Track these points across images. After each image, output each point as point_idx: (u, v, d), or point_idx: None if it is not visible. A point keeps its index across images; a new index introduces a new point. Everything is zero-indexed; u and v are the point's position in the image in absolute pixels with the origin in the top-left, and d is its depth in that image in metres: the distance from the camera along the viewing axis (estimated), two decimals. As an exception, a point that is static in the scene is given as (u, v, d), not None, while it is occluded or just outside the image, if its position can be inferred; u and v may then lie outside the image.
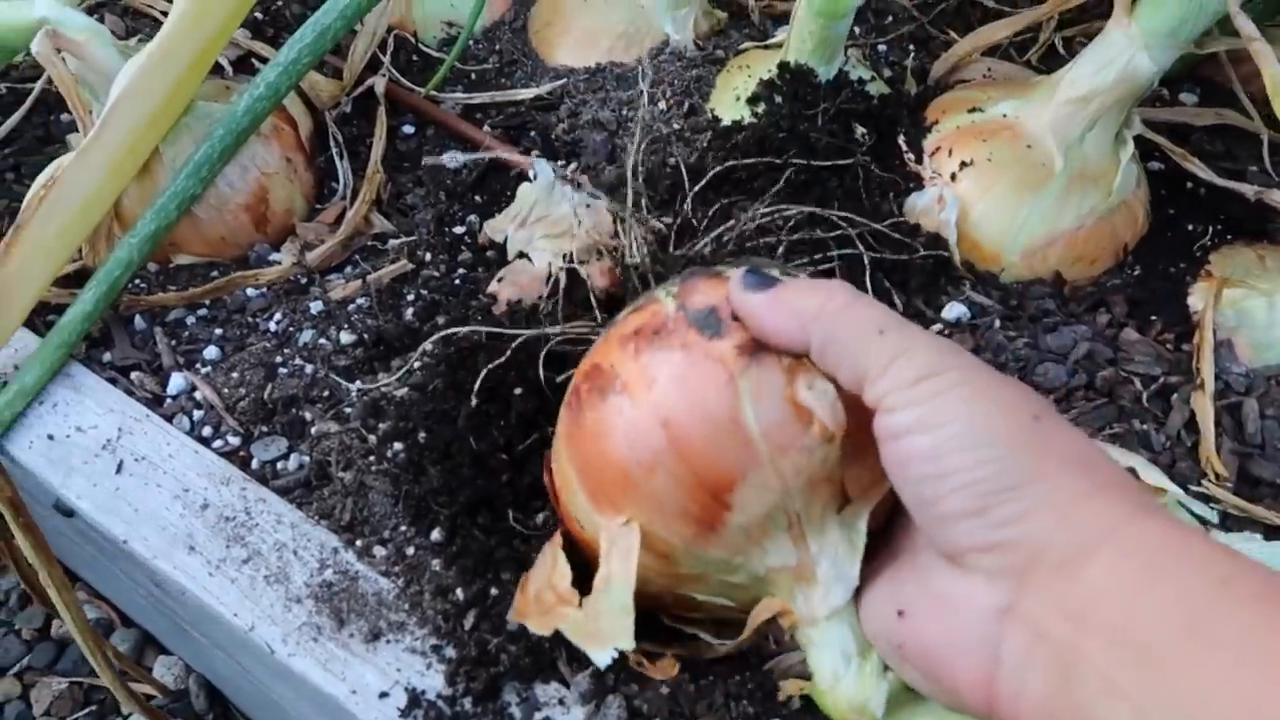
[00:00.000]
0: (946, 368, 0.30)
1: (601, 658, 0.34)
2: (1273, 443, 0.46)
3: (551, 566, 0.37)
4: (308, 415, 0.48)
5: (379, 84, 0.62)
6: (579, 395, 0.36)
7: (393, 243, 0.58)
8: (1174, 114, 0.60)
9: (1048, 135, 0.52)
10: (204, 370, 0.50)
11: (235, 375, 0.49)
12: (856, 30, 0.67)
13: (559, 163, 0.59)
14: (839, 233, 0.52)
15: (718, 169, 0.53)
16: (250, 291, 0.54)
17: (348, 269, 0.57)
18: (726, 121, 0.57)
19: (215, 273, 0.55)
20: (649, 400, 0.33)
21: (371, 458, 0.45)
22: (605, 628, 0.34)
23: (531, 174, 0.53)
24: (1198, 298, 0.52)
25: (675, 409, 0.33)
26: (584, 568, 0.36)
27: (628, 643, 0.33)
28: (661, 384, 0.33)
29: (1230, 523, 0.43)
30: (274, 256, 0.56)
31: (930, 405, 0.29)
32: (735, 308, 0.34)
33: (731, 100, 0.58)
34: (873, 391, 0.31)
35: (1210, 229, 0.55)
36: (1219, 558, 0.26)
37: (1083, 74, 0.51)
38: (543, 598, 0.36)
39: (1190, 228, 0.56)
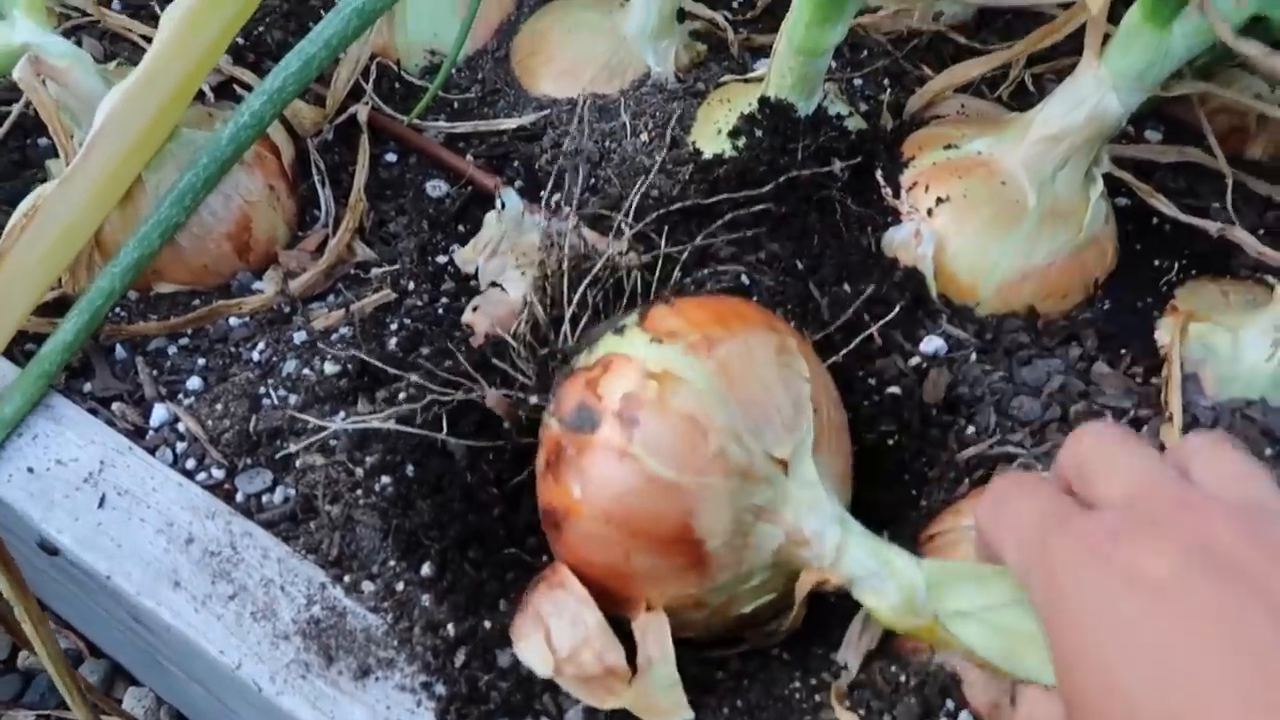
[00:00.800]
0: None
1: None
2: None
3: (589, 629, 0.39)
4: (293, 447, 0.47)
5: (361, 112, 0.62)
6: (548, 534, 0.41)
7: (375, 271, 0.58)
8: (1140, 151, 0.62)
9: (1021, 173, 0.54)
10: (187, 401, 0.50)
11: (219, 406, 0.49)
12: (833, 64, 0.68)
13: (543, 192, 0.60)
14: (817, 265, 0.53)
15: (699, 202, 0.54)
16: (233, 321, 0.54)
17: (331, 297, 0.57)
18: (708, 155, 0.58)
19: (197, 301, 0.55)
20: (586, 513, 0.38)
21: (359, 491, 0.45)
22: (662, 703, 0.38)
23: (499, 204, 0.54)
24: (1165, 332, 0.53)
25: (606, 504, 0.38)
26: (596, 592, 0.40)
27: (685, 713, 0.38)
28: (585, 494, 0.39)
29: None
30: (257, 285, 0.56)
31: None
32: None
33: (713, 133, 0.59)
34: None
35: (1176, 264, 0.57)
36: None
37: (1054, 114, 0.53)
38: (582, 661, 0.38)
39: (1157, 263, 0.58)
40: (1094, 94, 0.51)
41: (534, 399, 0.45)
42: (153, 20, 0.66)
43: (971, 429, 0.49)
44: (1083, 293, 0.55)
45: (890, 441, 0.48)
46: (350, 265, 0.58)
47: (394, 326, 0.55)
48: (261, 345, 0.53)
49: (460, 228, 0.59)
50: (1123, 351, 0.53)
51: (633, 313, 0.44)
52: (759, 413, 0.39)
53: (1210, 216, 0.59)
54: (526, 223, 0.55)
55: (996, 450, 0.47)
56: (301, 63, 0.56)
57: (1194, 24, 0.48)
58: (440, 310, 0.56)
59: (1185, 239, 0.58)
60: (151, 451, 0.47)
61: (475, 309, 0.53)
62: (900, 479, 0.48)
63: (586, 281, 0.51)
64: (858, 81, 0.67)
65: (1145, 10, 0.49)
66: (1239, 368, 0.51)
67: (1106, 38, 0.52)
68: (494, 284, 0.54)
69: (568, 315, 0.49)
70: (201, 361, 0.52)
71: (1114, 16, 0.51)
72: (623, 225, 0.54)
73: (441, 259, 0.58)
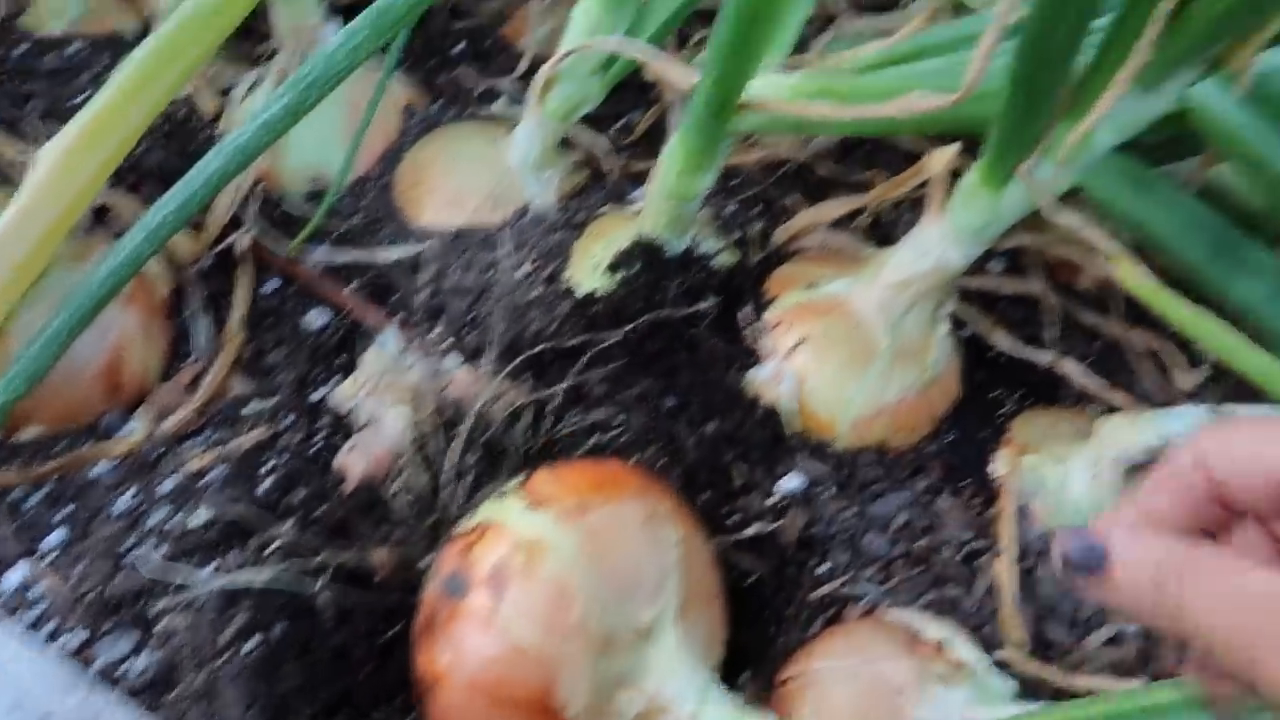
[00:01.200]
0: None
1: None
2: (1063, 606, 0.51)
3: None
4: (158, 607, 0.47)
5: (241, 241, 0.63)
6: (419, 699, 0.43)
7: (251, 407, 0.58)
8: (983, 282, 0.67)
9: (874, 314, 0.58)
10: (46, 559, 0.49)
11: (81, 565, 0.48)
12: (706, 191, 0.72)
13: (421, 327, 0.61)
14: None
15: (573, 342, 0.57)
16: (100, 467, 0.53)
17: (205, 433, 0.57)
18: (584, 290, 0.60)
19: (62, 446, 0.54)
20: (452, 681, 0.40)
21: (225, 655, 0.45)
22: None
23: (379, 342, 0.55)
24: (1000, 464, 0.58)
25: (471, 673, 0.40)
26: None
27: None
28: (452, 662, 0.40)
29: (1027, 688, 0.48)
30: (125, 428, 0.56)
31: None
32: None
33: (589, 269, 0.61)
34: None
35: (1013, 395, 0.62)
36: None
37: (903, 261, 0.57)
38: None
39: (996, 393, 0.62)
40: (937, 246, 0.56)
41: (412, 554, 0.46)
42: (22, 138, 0.65)
43: (826, 566, 0.52)
44: (930, 426, 0.59)
45: (751, 580, 0.51)
46: (225, 401, 0.58)
47: (268, 467, 0.55)
48: (129, 494, 0.52)
49: (340, 360, 0.60)
50: (965, 483, 0.57)
51: (516, 477, 0.46)
52: (624, 581, 0.41)
53: (1045, 345, 0.64)
54: (405, 361, 0.56)
55: (847, 590, 0.50)
56: (181, 201, 0.56)
57: (1024, 190, 0.53)
58: (317, 448, 0.56)
59: (1021, 369, 0.63)
60: (6, 615, 0.46)
61: (351, 449, 0.54)
62: (761, 618, 0.51)
63: (466, 426, 0.52)
64: (730, 208, 0.70)
65: (982, 175, 0.53)
66: (1066, 497, 0.56)
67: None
68: (371, 423, 0.55)
69: (446, 468, 0.50)
70: (64, 512, 0.51)
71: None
72: (499, 364, 0.56)
73: (320, 393, 0.59)
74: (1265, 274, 0.55)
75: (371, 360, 0.56)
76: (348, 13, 0.72)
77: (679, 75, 0.56)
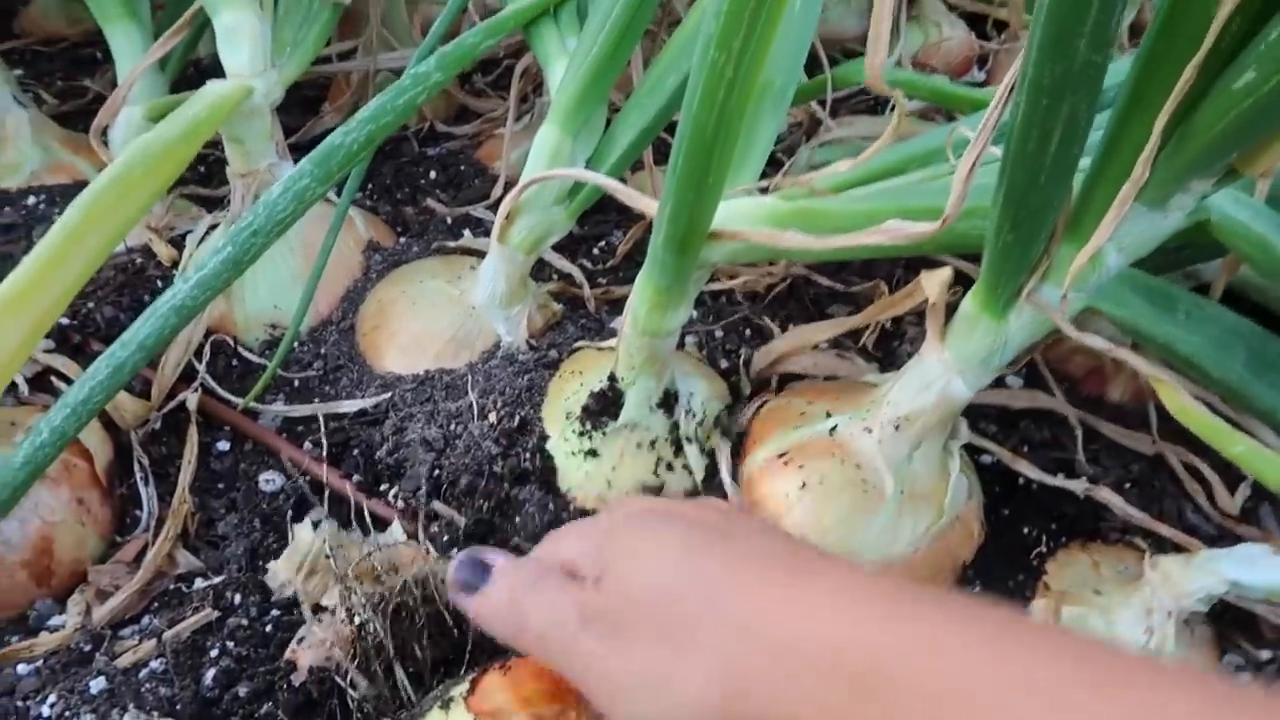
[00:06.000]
0: None
1: None
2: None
3: None
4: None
5: (191, 399, 0.59)
6: None
7: (199, 584, 0.53)
8: (996, 397, 0.61)
9: (876, 455, 0.52)
10: (-51, 792, 0.43)
11: (-14, 798, 0.43)
12: (695, 314, 0.67)
13: (383, 487, 0.56)
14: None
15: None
16: (21, 669, 0.48)
17: (146, 618, 0.52)
18: (553, 438, 0.55)
19: (-18, 645, 0.49)
20: None
21: None
22: None
23: (312, 519, 0.50)
24: (1038, 616, 0.51)
25: None
26: None
27: None
28: None
29: None
30: (56, 619, 0.51)
31: None
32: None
33: (561, 415, 0.56)
34: None
35: (1045, 530, 0.55)
36: None
37: (904, 396, 0.51)
38: None
39: (1026, 531, 0.56)
40: (940, 378, 0.50)
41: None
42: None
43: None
44: (952, 576, 0.53)
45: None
46: (170, 579, 0.53)
47: (214, 654, 0.49)
48: (52, 699, 0.47)
49: (296, 525, 0.55)
50: (996, 643, 0.50)
51: (463, 682, 0.40)
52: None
53: (1075, 469, 0.58)
54: (349, 536, 0.51)
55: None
56: (111, 369, 0.52)
57: (1030, 314, 0.48)
58: (269, 628, 0.50)
59: (1053, 499, 0.56)
60: None
61: (300, 641, 0.49)
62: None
63: (415, 609, 0.47)
64: (719, 333, 0.65)
65: (979, 301, 0.48)
66: (1114, 657, 0.49)
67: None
68: (318, 607, 0.50)
69: (394, 656, 0.45)
70: (-24, 728, 0.46)
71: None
72: (452, 533, 0.51)
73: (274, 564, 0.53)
74: (1318, 390, 0.49)
75: (306, 537, 0.51)
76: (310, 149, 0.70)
77: (644, 204, 0.52)
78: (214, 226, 0.67)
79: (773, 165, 0.80)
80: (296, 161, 0.70)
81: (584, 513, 0.53)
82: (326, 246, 0.60)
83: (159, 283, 0.66)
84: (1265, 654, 0.50)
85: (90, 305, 0.64)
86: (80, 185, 0.73)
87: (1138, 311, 0.47)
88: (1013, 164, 0.41)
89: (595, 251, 0.72)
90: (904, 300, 0.53)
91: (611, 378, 0.56)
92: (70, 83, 0.90)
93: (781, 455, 0.53)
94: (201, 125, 0.59)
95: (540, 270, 0.69)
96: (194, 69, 0.84)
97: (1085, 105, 0.38)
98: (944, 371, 0.50)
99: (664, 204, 0.47)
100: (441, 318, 0.61)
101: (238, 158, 0.65)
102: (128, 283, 0.65)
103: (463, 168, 0.80)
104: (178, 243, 0.69)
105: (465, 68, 0.68)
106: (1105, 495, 0.55)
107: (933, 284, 0.50)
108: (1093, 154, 0.43)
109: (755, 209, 0.52)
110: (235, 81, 0.63)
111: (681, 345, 0.64)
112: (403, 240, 0.69)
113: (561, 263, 0.68)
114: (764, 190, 0.54)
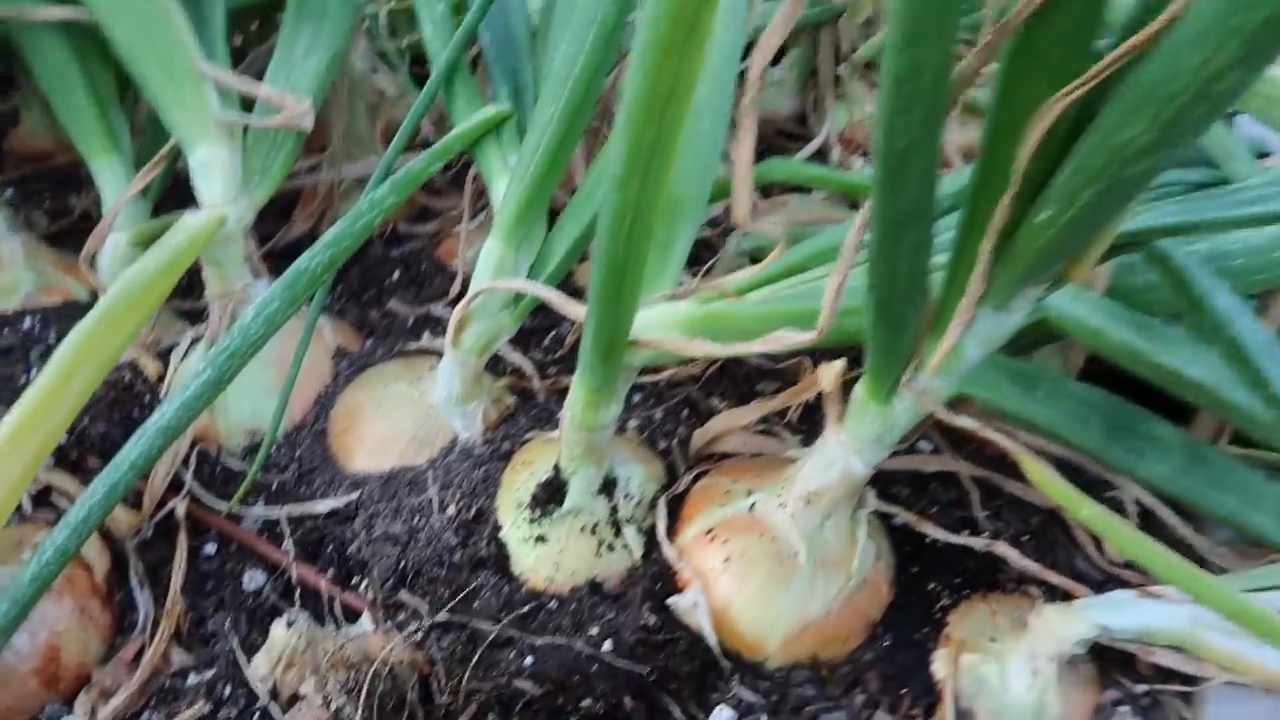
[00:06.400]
0: None
1: None
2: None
3: None
4: None
5: (180, 507, 0.65)
6: None
7: (192, 679, 0.59)
8: (908, 462, 0.67)
9: (790, 529, 0.58)
10: None
11: None
12: (637, 398, 0.74)
13: (354, 580, 0.62)
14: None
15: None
16: (33, 769, 0.54)
17: (146, 714, 0.57)
18: (506, 527, 0.61)
19: (-1, 750, 0.55)
20: None
21: None
22: None
23: (287, 618, 0.56)
24: (940, 665, 0.57)
25: None
26: None
27: None
28: None
29: None
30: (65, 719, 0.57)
31: None
32: None
33: (513, 504, 0.62)
34: None
35: (949, 586, 0.62)
36: None
37: (812, 474, 0.58)
38: None
39: (932, 586, 0.62)
40: (840, 458, 0.56)
41: None
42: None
43: (762, 807, 0.51)
44: (863, 633, 0.59)
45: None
46: (167, 676, 0.59)
47: (207, 744, 0.55)
48: (61, 797, 0.53)
49: (273, 623, 0.61)
50: (903, 691, 0.56)
51: None
52: None
53: (979, 526, 0.64)
54: (321, 631, 0.57)
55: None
56: (107, 489, 0.58)
57: (910, 399, 0.54)
58: (256, 717, 0.56)
59: (957, 555, 0.63)
60: None
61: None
62: None
63: (383, 695, 0.52)
64: (658, 414, 0.72)
65: (867, 390, 0.54)
66: (1007, 699, 0.55)
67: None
68: (296, 696, 0.56)
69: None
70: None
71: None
72: (416, 622, 0.56)
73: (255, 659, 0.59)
74: (1171, 450, 0.55)
75: (281, 634, 0.56)
76: (285, 257, 0.77)
77: (575, 312, 0.59)
78: (196, 340, 0.74)
79: (710, 250, 0.87)
80: (271, 270, 0.78)
81: (535, 594, 0.59)
82: (297, 359, 0.67)
83: (148, 397, 0.72)
84: (1141, 688, 0.56)
85: (85, 422, 0.70)
86: (72, 305, 0.81)
87: (1004, 393, 0.54)
88: (874, 278, 0.47)
89: (546, 342, 0.78)
90: (809, 387, 0.60)
91: (556, 468, 0.62)
92: (58, 202, 0.97)
93: (708, 532, 0.59)
94: (181, 255, 0.66)
95: (495, 363, 0.76)
96: (174, 182, 0.91)
97: (923, 232, 0.45)
98: (843, 452, 0.56)
99: (589, 314, 0.54)
100: (404, 419, 0.68)
101: (215, 280, 0.72)
102: (118, 399, 0.72)
103: (424, 266, 0.87)
104: (164, 355, 0.75)
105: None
106: (1003, 549, 0.61)
107: (828, 376, 0.56)
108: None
109: (670, 316, 0.58)
110: (210, 211, 0.70)
111: (624, 430, 0.70)
112: (368, 343, 0.76)
113: (513, 356, 0.75)
114: (682, 295, 0.61)
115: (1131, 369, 0.52)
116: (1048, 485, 0.51)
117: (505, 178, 0.70)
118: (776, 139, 1.05)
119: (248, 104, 0.74)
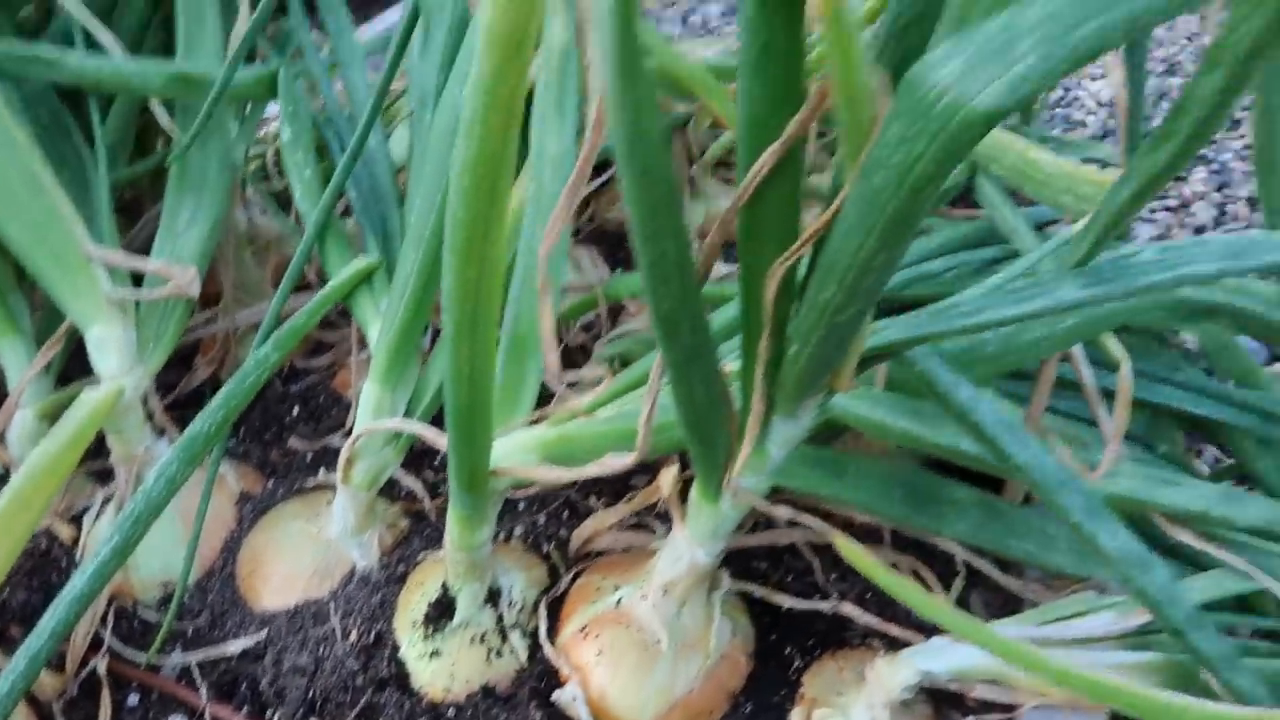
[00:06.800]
0: None
1: None
2: None
3: None
4: None
5: (101, 664, 0.70)
6: None
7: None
8: (764, 538, 0.75)
9: (652, 619, 0.65)
10: None
11: None
12: (521, 505, 0.81)
13: (269, 713, 0.68)
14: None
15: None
16: None
17: None
18: (404, 646, 0.68)
19: None
20: None
21: None
22: None
23: None
24: (795, 724, 0.65)
25: None
26: None
27: None
28: None
29: None
30: None
31: None
32: None
33: (409, 624, 0.69)
34: None
35: (803, 649, 0.69)
36: None
37: (665, 566, 0.65)
38: None
39: (788, 650, 0.70)
40: (686, 551, 0.64)
41: None
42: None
43: None
44: (728, 703, 0.66)
45: None
46: (97, 828, 0.64)
47: None
48: None
49: (199, 763, 0.66)
50: (763, 754, 0.63)
51: None
52: None
53: (826, 589, 0.72)
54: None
55: None
56: (28, 660, 0.63)
57: (732, 500, 0.62)
58: None
59: (808, 619, 0.71)
60: None
61: None
62: None
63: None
64: (541, 520, 0.79)
65: (699, 491, 0.62)
66: (855, 749, 0.62)
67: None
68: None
69: None
70: None
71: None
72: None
73: (181, 803, 0.64)
74: (968, 510, 0.64)
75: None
76: (189, 406, 0.83)
77: (445, 445, 0.66)
78: (108, 500, 0.80)
79: (585, 354, 0.95)
80: (175, 420, 0.84)
81: (434, 706, 0.65)
82: (200, 513, 0.73)
83: (64, 561, 0.78)
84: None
85: (5, 593, 0.75)
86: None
87: (814, 481, 0.62)
88: (677, 402, 0.56)
89: (436, 463, 0.85)
90: (656, 491, 0.68)
91: (444, 586, 0.69)
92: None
93: (583, 629, 0.67)
94: (84, 430, 0.72)
95: (390, 486, 0.83)
96: (77, 347, 0.97)
97: (707, 366, 0.53)
98: (689, 546, 0.64)
99: (449, 454, 0.61)
100: (304, 555, 0.74)
101: (118, 445, 0.77)
102: (35, 567, 0.77)
103: (322, 399, 0.93)
104: (78, 518, 0.81)
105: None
106: (847, 609, 0.69)
107: (666, 480, 0.65)
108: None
109: (525, 442, 0.66)
110: (108, 384, 0.76)
111: (510, 537, 0.78)
112: (270, 483, 0.82)
113: (406, 480, 0.82)
114: (538, 420, 0.68)
115: (917, 449, 0.61)
116: (854, 557, 0.59)
117: (379, 322, 0.78)
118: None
119: (138, 276, 0.80)
